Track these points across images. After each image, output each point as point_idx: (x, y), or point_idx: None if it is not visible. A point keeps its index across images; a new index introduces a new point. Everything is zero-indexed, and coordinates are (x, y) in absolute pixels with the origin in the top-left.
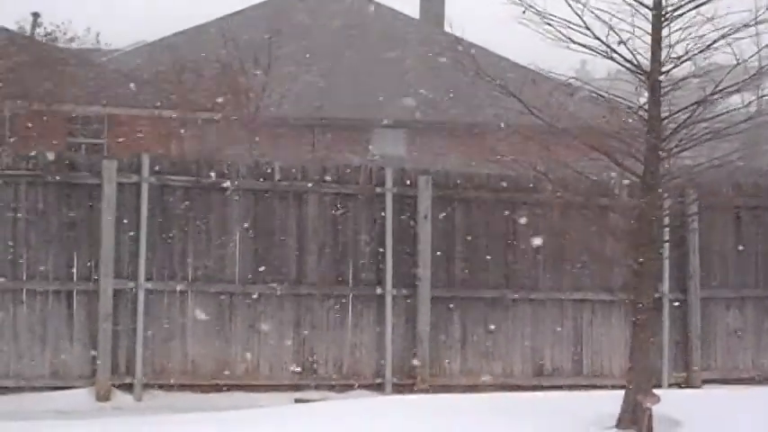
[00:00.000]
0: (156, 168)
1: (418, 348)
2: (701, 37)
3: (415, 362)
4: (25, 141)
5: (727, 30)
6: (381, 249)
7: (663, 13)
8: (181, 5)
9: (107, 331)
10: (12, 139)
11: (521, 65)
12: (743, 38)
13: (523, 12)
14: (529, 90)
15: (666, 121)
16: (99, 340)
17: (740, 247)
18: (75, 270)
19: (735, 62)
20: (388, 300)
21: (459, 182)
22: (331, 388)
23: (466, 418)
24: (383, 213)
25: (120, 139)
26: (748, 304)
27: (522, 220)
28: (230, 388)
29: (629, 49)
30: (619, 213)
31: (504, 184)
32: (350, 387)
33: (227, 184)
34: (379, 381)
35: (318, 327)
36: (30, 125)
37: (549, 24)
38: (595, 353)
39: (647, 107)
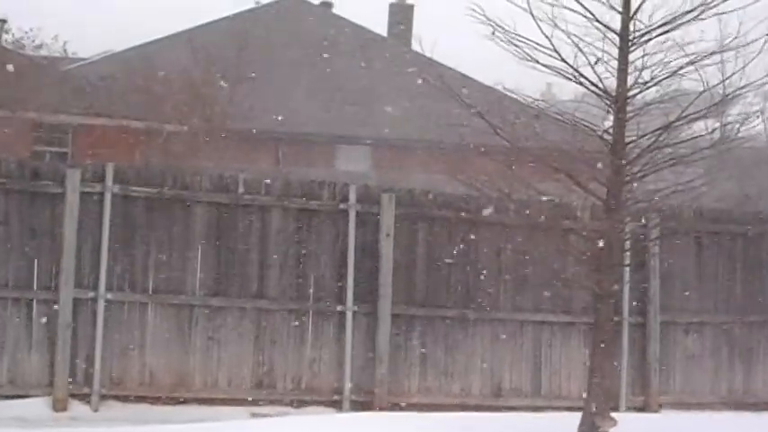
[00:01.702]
0: (120, 178)
1: (377, 366)
2: (668, 63)
3: (374, 379)
4: None
5: (693, 57)
6: (343, 265)
7: (630, 38)
8: (149, 15)
9: (66, 341)
10: None
11: (487, 85)
12: (708, 65)
13: (492, 32)
14: (495, 111)
15: (631, 145)
16: (57, 350)
17: (700, 272)
18: (35, 278)
19: (700, 89)
20: (349, 316)
21: (422, 200)
22: (289, 403)
23: None
24: (346, 230)
25: (86, 149)
26: (707, 329)
27: (485, 240)
28: (188, 401)
29: (595, 73)
30: (581, 236)
31: (468, 204)
32: (308, 403)
33: (190, 195)
34: (337, 397)
35: (278, 341)
36: None
37: (516, 45)
38: (554, 374)
39: (611, 131)
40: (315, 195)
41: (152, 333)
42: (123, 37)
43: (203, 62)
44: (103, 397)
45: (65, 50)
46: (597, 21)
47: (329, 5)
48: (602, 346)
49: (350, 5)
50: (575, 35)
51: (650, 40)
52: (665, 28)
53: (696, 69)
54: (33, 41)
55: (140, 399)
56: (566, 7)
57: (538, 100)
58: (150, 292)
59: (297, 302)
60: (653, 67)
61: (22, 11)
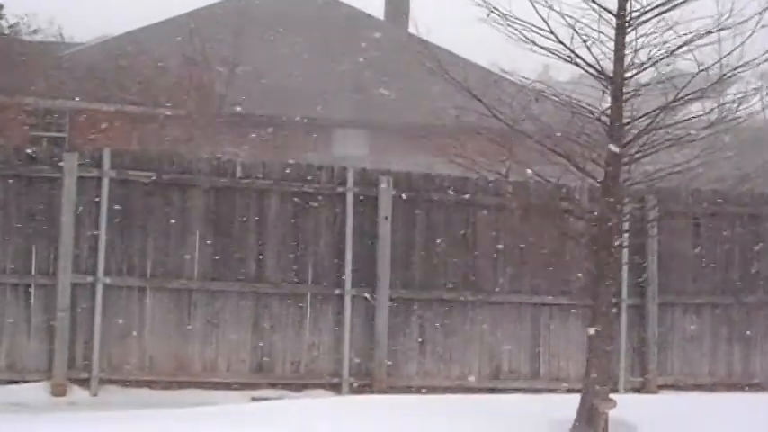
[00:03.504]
0: (118, 163)
1: (376, 349)
2: (664, 43)
3: (373, 362)
4: None
5: (689, 37)
6: (341, 249)
7: (626, 19)
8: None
9: (64, 326)
10: None
11: (484, 67)
12: (705, 45)
13: (488, 15)
14: (492, 93)
15: (628, 126)
16: (56, 334)
17: (698, 254)
18: (33, 263)
19: (696, 69)
20: (347, 300)
21: (420, 183)
22: (288, 387)
23: (422, 420)
24: (344, 213)
25: (83, 134)
26: (705, 310)
27: (483, 223)
28: (187, 385)
29: (592, 54)
30: (579, 218)
31: (465, 186)
32: (307, 386)
33: (188, 180)
34: (336, 380)
35: (277, 325)
36: None
37: (513, 27)
38: (553, 356)
39: (608, 112)
40: (313, 179)
41: (151, 317)
42: (120, 20)
43: (200, 46)
44: (102, 381)
45: (60, 35)
46: (593, 2)
47: None
48: (601, 327)
49: None
50: (571, 17)
51: (646, 20)
52: (661, 8)
53: (692, 50)
54: (29, 27)
55: (139, 383)
56: None
57: (535, 82)
58: (149, 277)
59: (295, 286)
60: (649, 48)
61: None
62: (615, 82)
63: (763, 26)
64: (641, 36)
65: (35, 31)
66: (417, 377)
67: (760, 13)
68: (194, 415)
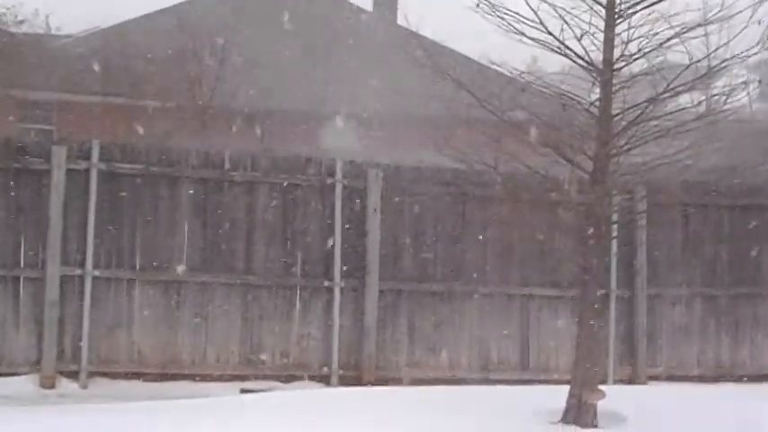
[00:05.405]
0: (107, 155)
1: (365, 340)
2: (655, 35)
3: (362, 354)
4: None
5: (679, 29)
6: (330, 241)
7: (616, 10)
8: None
9: (53, 318)
10: None
11: (473, 59)
12: (694, 37)
13: (477, 4)
14: (481, 84)
15: (617, 117)
16: (45, 327)
17: (687, 245)
18: (22, 256)
19: (686, 61)
20: (337, 291)
21: (409, 175)
22: (277, 378)
23: (410, 411)
24: (333, 205)
25: (71, 126)
26: (695, 301)
27: (472, 214)
28: (176, 377)
29: (581, 46)
30: (568, 209)
31: (454, 178)
32: (296, 378)
33: (177, 172)
34: (325, 372)
35: (266, 317)
36: None
37: (502, 18)
38: (542, 347)
39: (598, 103)
40: (301, 171)
41: (140, 310)
42: (109, 11)
43: (190, 39)
44: (92, 374)
45: (47, 25)
46: None
47: None
48: (590, 318)
49: None
50: (561, 8)
51: (636, 12)
52: (652, 0)
53: (682, 42)
54: (15, 17)
55: (129, 375)
56: None
57: (524, 72)
58: (137, 269)
59: (284, 278)
60: (639, 40)
61: None
62: (605, 73)
63: (754, 23)
64: (631, 28)
65: (21, 22)
66: (407, 368)
67: (753, 5)
68: (182, 407)
